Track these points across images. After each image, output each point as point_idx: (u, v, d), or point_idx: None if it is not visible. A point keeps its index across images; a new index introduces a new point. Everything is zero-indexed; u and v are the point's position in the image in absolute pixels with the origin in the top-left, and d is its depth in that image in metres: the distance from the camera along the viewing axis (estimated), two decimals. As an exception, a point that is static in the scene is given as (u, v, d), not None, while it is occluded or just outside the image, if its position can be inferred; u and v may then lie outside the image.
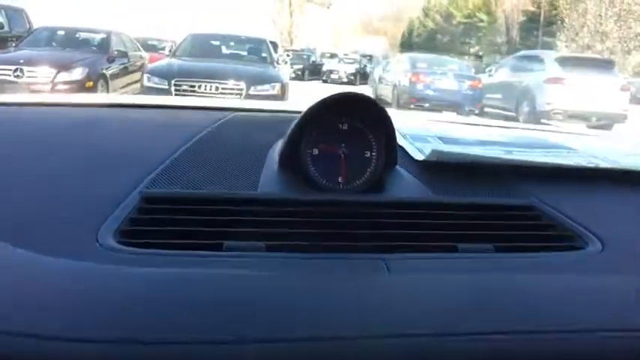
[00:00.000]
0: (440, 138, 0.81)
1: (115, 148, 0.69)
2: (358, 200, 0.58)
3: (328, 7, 38.44)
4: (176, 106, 1.11)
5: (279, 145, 0.64)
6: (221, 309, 0.35)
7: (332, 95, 0.58)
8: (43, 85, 6.35)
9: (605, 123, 8.61)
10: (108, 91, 7.25)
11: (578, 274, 0.49)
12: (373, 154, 0.61)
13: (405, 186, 0.63)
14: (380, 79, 11.96)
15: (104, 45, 7.93)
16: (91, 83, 6.78)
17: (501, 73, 10.45)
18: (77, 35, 8.48)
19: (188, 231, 0.49)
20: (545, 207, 0.62)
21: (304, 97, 13.21)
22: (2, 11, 9.11)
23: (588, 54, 15.34)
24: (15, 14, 9.42)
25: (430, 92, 9.29)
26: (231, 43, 7.64)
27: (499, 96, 10.00)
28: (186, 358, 0.31)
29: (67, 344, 0.30)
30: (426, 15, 44.20)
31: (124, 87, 7.87)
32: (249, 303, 0.36)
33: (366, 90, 14.99)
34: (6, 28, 8.87)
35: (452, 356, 0.35)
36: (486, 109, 10.49)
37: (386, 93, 11.03)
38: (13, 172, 0.60)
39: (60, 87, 6.41)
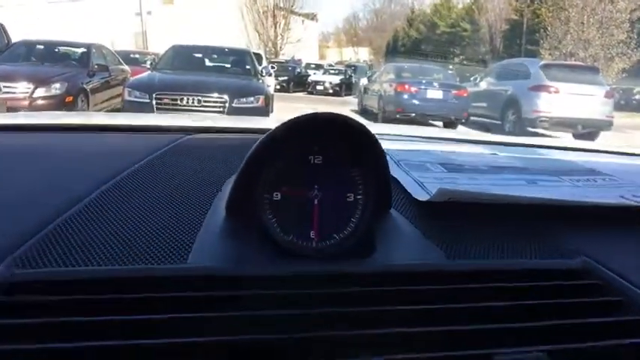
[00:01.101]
0: (443, 165, 0.67)
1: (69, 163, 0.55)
2: (338, 272, 0.41)
3: (312, 19, 38.63)
4: (117, 126, 0.93)
5: (228, 188, 0.47)
6: None
7: (300, 117, 0.42)
8: (21, 100, 6.18)
9: (590, 130, 8.63)
10: (88, 106, 7.09)
11: None
12: (359, 197, 0.45)
13: (405, 243, 0.47)
14: (365, 89, 11.91)
15: (84, 59, 7.79)
16: (70, 98, 6.63)
17: (487, 82, 10.48)
18: (56, 49, 8.35)
19: (58, 325, 0.34)
20: (601, 269, 0.45)
21: (291, 106, 13.15)
22: (-21, 26, 8.91)
23: (572, 61, 15.51)
24: (-8, 29, 9.22)
25: (416, 102, 9.24)
26: (214, 55, 7.55)
27: (484, 104, 10.01)
28: None
29: None
30: (410, 25, 44.67)
31: (105, 101, 7.72)
32: None
33: (351, 100, 14.98)
34: (-17, 43, 8.66)
35: None
36: (472, 118, 10.50)
37: (371, 103, 10.98)
38: None
39: (39, 102, 6.24)
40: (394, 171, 0.59)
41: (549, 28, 21.74)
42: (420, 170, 0.63)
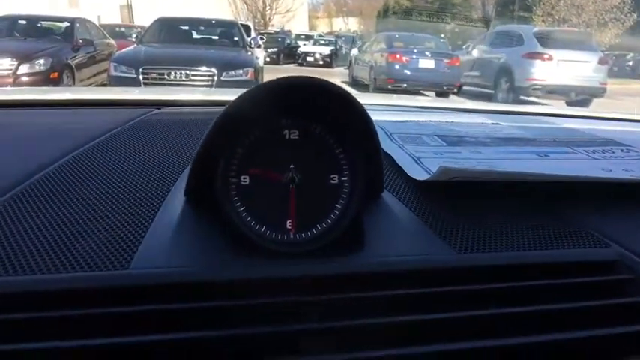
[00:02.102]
0: (441, 137, 0.59)
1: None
2: (319, 274, 0.33)
3: (302, -12, 37.79)
4: (81, 101, 0.86)
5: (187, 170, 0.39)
6: None
7: (268, 83, 0.34)
8: (5, 77, 6.04)
9: (583, 98, 8.60)
10: (74, 82, 6.95)
11: None
12: (344, 179, 0.37)
13: (400, 233, 0.38)
14: (356, 60, 11.75)
15: (68, 33, 7.61)
16: (55, 74, 6.51)
17: (479, 50, 10.36)
18: (40, 24, 8.10)
19: None
20: (636, 260, 0.38)
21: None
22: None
23: (565, 27, 15.34)
24: (-29, 4, 8.94)
25: (408, 72, 9.13)
26: (201, 28, 7.37)
27: (477, 73, 9.92)
28: None
29: None
30: (402, -7, 43.90)
31: (91, 77, 7.57)
32: None
33: (342, 72, 14.78)
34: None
35: None
36: (465, 88, 10.41)
37: (362, 74, 10.84)
38: None
39: (23, 79, 6.11)
40: (386, 146, 0.51)
41: (542, -6, 21.45)
42: (415, 144, 0.55)
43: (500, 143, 0.58)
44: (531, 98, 8.61)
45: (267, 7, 33.47)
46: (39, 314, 0.28)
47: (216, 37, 7.15)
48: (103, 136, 0.54)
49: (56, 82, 6.43)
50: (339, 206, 0.36)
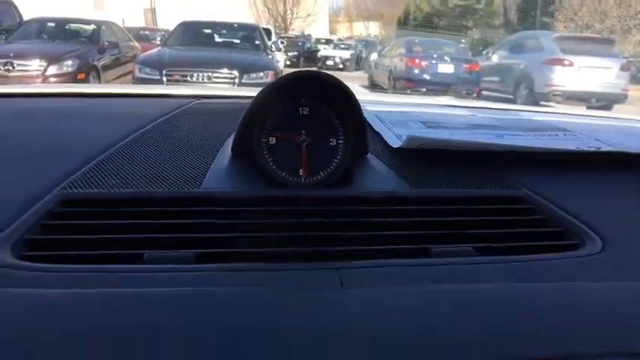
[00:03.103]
0: (423, 122, 0.73)
1: (42, 143, 0.61)
2: (321, 196, 0.50)
3: (323, -7, 37.96)
4: (133, 94, 1.02)
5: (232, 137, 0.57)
6: (129, 339, 0.28)
7: (288, 75, 0.51)
8: (34, 78, 6.27)
9: (604, 104, 8.51)
10: (100, 83, 7.16)
11: (575, 280, 0.41)
12: (340, 141, 0.53)
13: (377, 179, 0.56)
14: (376, 64, 11.81)
15: (95, 36, 7.84)
16: (82, 75, 6.72)
17: (499, 55, 10.32)
18: (67, 27, 8.37)
19: (105, 239, 0.42)
20: (539, 199, 0.55)
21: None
22: (-11, 4, 8.96)
23: (587, 34, 15.15)
24: (3, 7, 9.26)
25: (427, 76, 9.17)
26: (224, 31, 7.53)
27: (497, 79, 9.89)
28: None
29: None
30: (422, -2, 43.72)
31: (116, 78, 7.78)
32: (167, 330, 0.29)
33: (361, 76, 14.85)
34: (-6, 22, 8.73)
35: None
36: (484, 92, 10.38)
37: (382, 79, 10.89)
38: None
39: (51, 80, 6.33)
40: (378, 127, 0.68)
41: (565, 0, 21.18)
42: (401, 126, 0.69)
43: (470, 128, 0.72)
44: (551, 104, 8.56)
45: (289, 12, 33.71)
46: (161, 209, 0.48)
47: (237, 41, 7.32)
48: (164, 117, 0.71)
49: (83, 83, 6.65)
50: (336, 160, 0.53)
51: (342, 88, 0.52)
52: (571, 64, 8.31)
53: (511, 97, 9.31)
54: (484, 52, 11.66)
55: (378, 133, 0.67)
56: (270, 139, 0.52)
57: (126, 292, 0.34)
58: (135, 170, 0.54)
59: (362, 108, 0.55)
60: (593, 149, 0.65)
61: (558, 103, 8.56)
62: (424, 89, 9.11)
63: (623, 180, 0.62)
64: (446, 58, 9.56)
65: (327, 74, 0.52)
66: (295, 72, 0.51)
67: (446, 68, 9.26)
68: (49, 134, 0.66)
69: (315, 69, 0.58)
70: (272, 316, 0.32)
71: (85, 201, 0.48)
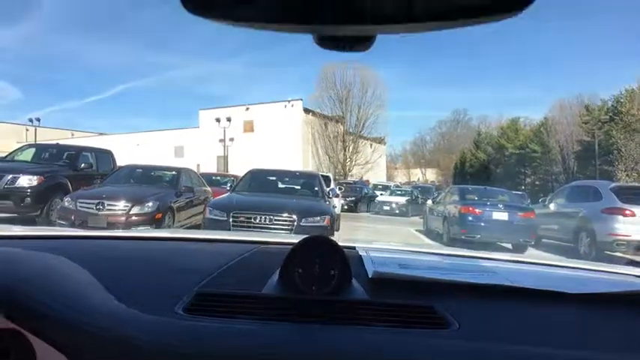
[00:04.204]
0: (399, 264, 1.03)
1: (177, 265, 1.00)
2: (324, 299, 0.81)
3: (380, 142, 40.44)
4: (215, 239, 1.38)
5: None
6: None
7: (305, 238, 0.88)
8: (119, 216, 7.09)
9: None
10: (174, 222, 7.89)
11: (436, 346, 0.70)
12: (335, 272, 0.84)
13: (357, 292, 0.87)
14: (431, 210, 12.08)
15: (174, 181, 8.86)
16: (159, 215, 7.46)
17: (556, 203, 10.35)
18: (152, 173, 9.53)
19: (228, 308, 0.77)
20: (442, 309, 0.82)
21: (357, 225, 13.28)
22: (92, 153, 10.51)
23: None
24: (102, 155, 10.81)
25: (481, 224, 9.25)
26: (286, 178, 8.31)
27: (556, 227, 9.79)
28: None
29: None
30: (477, 147, 45.33)
31: (187, 218, 8.55)
32: None
33: (417, 221, 15.11)
34: (94, 168, 10.14)
35: None
36: (544, 240, 10.21)
37: (437, 225, 11.02)
38: (121, 273, 0.91)
39: (133, 218, 7.11)
40: (367, 264, 1.00)
41: (623, 150, 21.30)
42: (382, 265, 1.00)
43: (429, 268, 1.00)
44: (616, 254, 8.28)
45: (348, 160, 35.80)
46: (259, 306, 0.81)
47: (298, 187, 8.01)
48: (233, 261, 1.04)
49: (159, 222, 7.38)
50: (333, 283, 0.84)
51: (333, 246, 0.86)
52: (633, 214, 8.19)
53: (572, 244, 9.12)
54: (540, 200, 11.73)
55: (364, 267, 0.99)
56: (299, 269, 0.84)
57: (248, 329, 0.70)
58: (232, 281, 0.91)
59: (365, 253, 0.90)
60: (487, 282, 0.93)
61: (624, 253, 8.27)
62: (478, 236, 9.15)
63: (504, 302, 0.90)
64: (500, 205, 9.65)
65: (323, 237, 0.89)
66: (306, 237, 0.87)
67: (500, 216, 9.31)
68: (174, 259, 1.04)
69: (321, 235, 0.89)
70: None
71: (212, 294, 0.81)
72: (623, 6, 50.50)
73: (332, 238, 0.90)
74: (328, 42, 0.44)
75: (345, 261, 0.86)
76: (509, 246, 9.48)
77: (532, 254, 8.82)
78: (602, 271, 1.22)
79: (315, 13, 0.37)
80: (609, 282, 1.08)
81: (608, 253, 8.32)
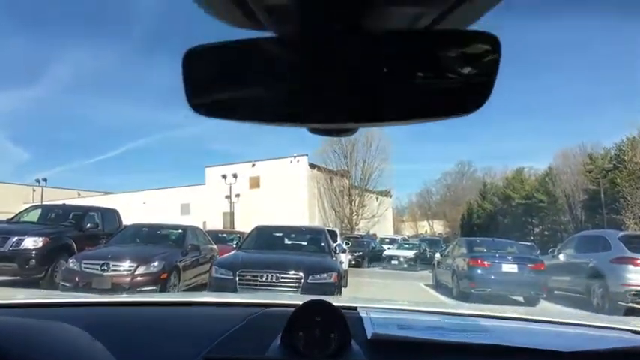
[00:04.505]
0: (398, 325, 1.06)
1: (184, 330, 1.05)
2: None
3: (386, 195, 40.54)
4: (220, 302, 1.41)
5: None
6: None
7: (306, 302, 0.93)
8: (124, 277, 7.05)
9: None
10: (180, 281, 7.82)
11: None
12: (335, 335, 0.88)
13: (356, 355, 0.91)
14: (439, 263, 11.92)
15: (180, 240, 8.86)
16: (165, 275, 7.40)
17: (565, 254, 10.21)
18: (158, 232, 9.55)
19: None
20: None
21: (365, 281, 13.09)
22: (99, 213, 10.60)
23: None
24: (108, 215, 10.88)
25: (491, 276, 9.09)
26: (292, 235, 8.30)
27: (567, 278, 9.61)
28: None
29: None
30: (484, 198, 45.27)
31: (193, 277, 8.46)
32: None
33: (426, 275, 14.87)
34: (100, 227, 10.19)
35: None
36: (557, 292, 9.99)
37: (446, 277, 10.86)
38: (132, 342, 0.96)
39: (138, 279, 7.07)
40: (367, 326, 1.02)
41: (629, 198, 21.24)
42: (379, 325, 1.03)
43: (428, 329, 1.02)
44: (631, 304, 8.07)
45: (354, 214, 35.75)
46: None
47: (305, 243, 7.97)
48: (238, 325, 1.06)
49: (165, 282, 7.31)
50: (333, 345, 0.88)
51: (332, 310, 0.90)
52: (644, 263, 8.06)
53: (584, 296, 8.92)
54: (549, 251, 11.59)
55: (364, 327, 1.03)
56: (300, 333, 0.88)
57: None
58: (236, 344, 0.96)
59: (366, 313, 0.93)
60: (485, 342, 0.96)
61: (638, 303, 8.06)
62: (488, 289, 8.98)
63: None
64: (509, 257, 9.53)
65: (322, 301, 0.93)
66: (307, 301, 0.92)
67: (509, 268, 9.17)
68: (182, 325, 1.09)
69: (319, 298, 0.86)
70: None
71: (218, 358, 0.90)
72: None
73: (331, 301, 0.94)
74: (319, 131, 0.51)
75: (344, 323, 0.89)
76: (521, 299, 9.27)
77: (545, 307, 8.62)
78: (599, 326, 1.25)
79: (307, 114, 0.44)
80: (603, 339, 1.11)
81: (622, 303, 8.11)
